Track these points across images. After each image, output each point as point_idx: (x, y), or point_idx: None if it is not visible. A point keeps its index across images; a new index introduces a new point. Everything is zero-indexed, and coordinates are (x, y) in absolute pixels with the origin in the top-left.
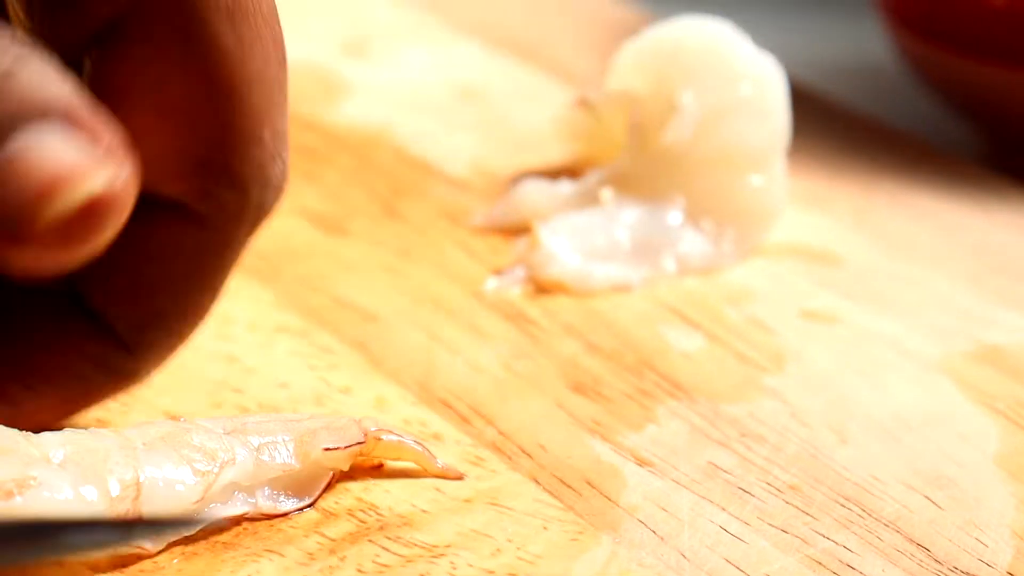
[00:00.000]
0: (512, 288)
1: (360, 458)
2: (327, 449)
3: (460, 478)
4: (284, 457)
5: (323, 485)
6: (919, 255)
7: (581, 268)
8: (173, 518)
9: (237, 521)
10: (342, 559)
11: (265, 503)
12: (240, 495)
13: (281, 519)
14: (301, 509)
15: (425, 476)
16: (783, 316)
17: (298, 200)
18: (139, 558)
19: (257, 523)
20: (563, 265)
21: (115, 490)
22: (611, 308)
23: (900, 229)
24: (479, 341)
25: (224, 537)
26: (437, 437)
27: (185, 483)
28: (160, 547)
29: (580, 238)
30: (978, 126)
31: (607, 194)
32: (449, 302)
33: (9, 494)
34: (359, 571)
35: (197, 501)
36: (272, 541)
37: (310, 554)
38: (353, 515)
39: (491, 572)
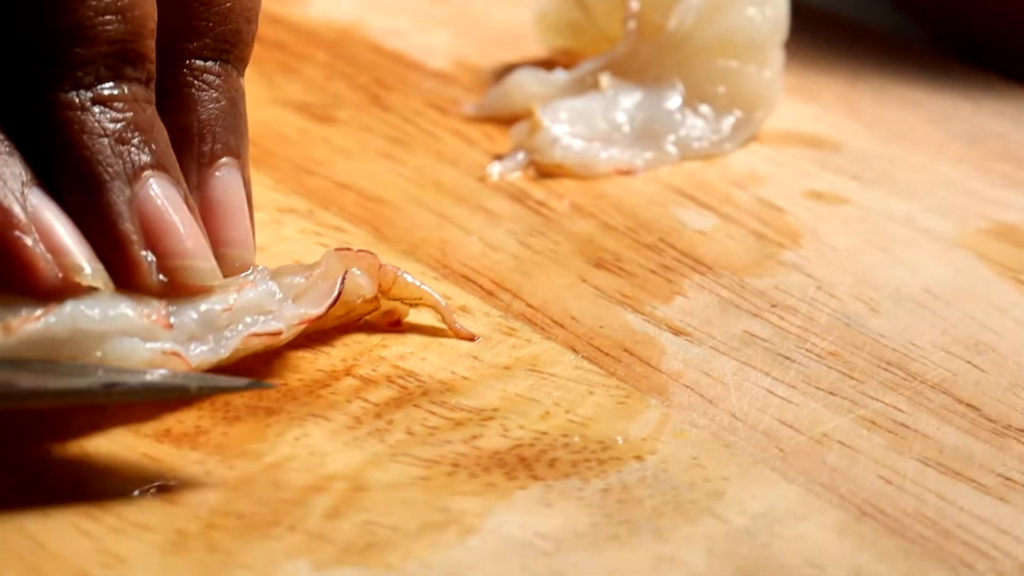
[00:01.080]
0: (513, 172)
1: (381, 299)
2: (338, 249)
3: (472, 339)
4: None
5: (337, 290)
6: (915, 142)
7: (584, 151)
8: (204, 326)
9: (274, 335)
10: (389, 423)
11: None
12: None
13: (322, 385)
14: (329, 307)
15: (444, 335)
16: (791, 197)
17: (280, 92)
18: (183, 417)
19: (298, 388)
20: (566, 149)
21: (146, 301)
22: (618, 191)
23: (892, 118)
24: (490, 221)
25: (264, 403)
26: (464, 309)
27: (212, 304)
28: (195, 363)
29: (581, 122)
30: (916, 18)
31: (606, 79)
32: (453, 186)
33: (35, 318)
34: (409, 433)
35: (226, 310)
36: (315, 406)
37: (356, 418)
38: (393, 382)
39: (543, 434)
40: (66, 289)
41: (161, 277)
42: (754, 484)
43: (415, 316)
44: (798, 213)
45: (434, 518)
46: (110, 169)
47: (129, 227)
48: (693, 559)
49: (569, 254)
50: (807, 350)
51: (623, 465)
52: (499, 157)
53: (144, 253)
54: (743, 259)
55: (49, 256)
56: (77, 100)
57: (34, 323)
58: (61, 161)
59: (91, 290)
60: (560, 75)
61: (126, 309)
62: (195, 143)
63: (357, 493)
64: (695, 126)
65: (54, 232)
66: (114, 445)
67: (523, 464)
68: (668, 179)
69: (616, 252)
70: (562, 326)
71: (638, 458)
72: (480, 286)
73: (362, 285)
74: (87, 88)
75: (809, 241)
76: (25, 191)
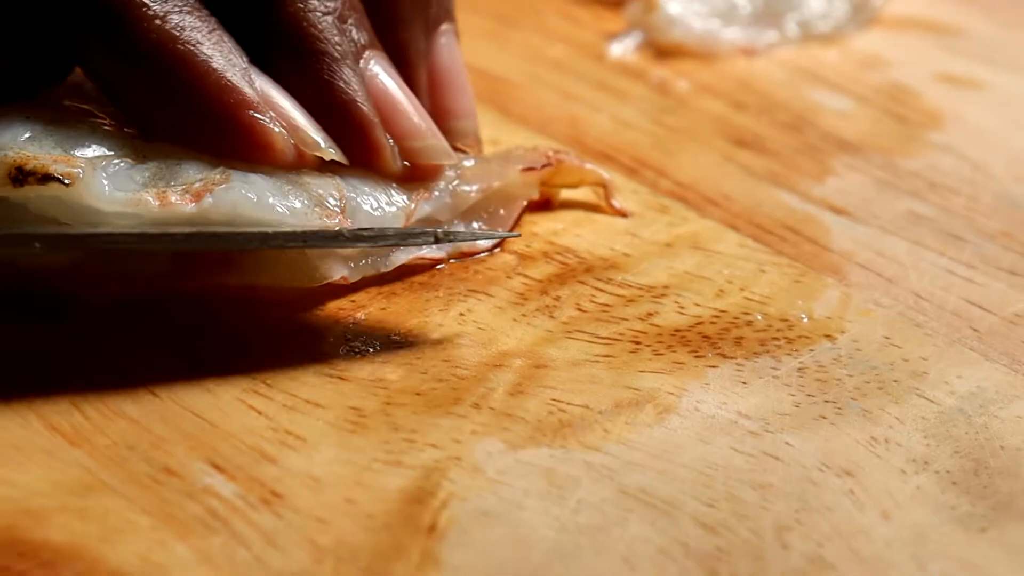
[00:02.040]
0: (630, 52)
1: (541, 187)
2: (524, 170)
3: (625, 215)
4: (480, 183)
5: (515, 216)
6: None
7: (705, 31)
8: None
9: (435, 263)
10: (556, 299)
11: (463, 241)
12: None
13: (477, 262)
14: (499, 244)
15: (593, 211)
16: (924, 80)
17: None
18: (337, 291)
19: (453, 265)
20: (686, 28)
21: (320, 202)
22: (744, 71)
23: (1008, 3)
24: (617, 99)
25: (421, 278)
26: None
27: (385, 208)
28: (356, 278)
29: (697, 0)
30: None
31: None
32: (571, 64)
33: (198, 195)
34: (579, 310)
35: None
36: (473, 283)
37: (520, 294)
38: (551, 258)
39: (722, 311)
40: (298, 164)
41: None
42: (956, 364)
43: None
44: (935, 96)
45: (625, 396)
46: (339, 48)
47: (367, 109)
48: (910, 441)
49: (708, 133)
50: (977, 230)
51: (814, 344)
52: (613, 36)
53: (385, 136)
54: (889, 140)
55: (285, 133)
56: None
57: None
58: (281, 40)
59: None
60: None
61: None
62: (424, 6)
63: (538, 370)
64: (813, 6)
65: (286, 110)
66: (269, 324)
67: (708, 342)
68: (792, 60)
69: (756, 131)
70: (716, 204)
71: (828, 337)
72: (621, 163)
73: (531, 195)
74: None
75: (953, 123)
76: (249, 71)
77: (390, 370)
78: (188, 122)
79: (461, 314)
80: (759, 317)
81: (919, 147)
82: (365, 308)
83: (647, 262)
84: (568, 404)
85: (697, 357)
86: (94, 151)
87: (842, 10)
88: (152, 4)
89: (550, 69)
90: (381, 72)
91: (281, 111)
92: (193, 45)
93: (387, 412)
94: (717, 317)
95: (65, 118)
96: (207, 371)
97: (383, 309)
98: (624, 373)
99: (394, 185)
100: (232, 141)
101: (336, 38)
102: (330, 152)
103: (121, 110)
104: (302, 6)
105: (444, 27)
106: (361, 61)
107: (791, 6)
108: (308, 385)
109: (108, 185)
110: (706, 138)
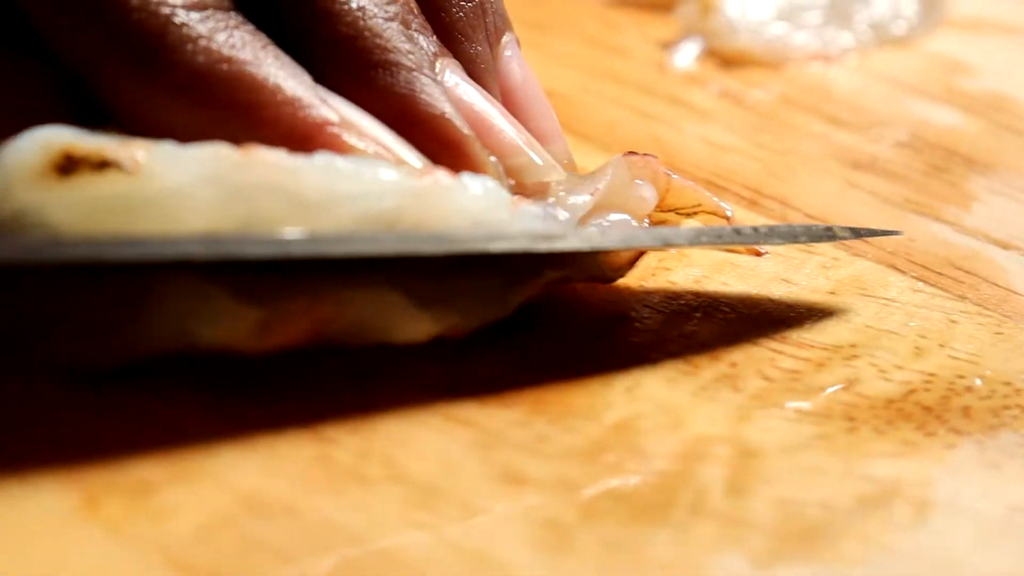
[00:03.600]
0: (692, 62)
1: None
2: (627, 154)
3: (759, 254)
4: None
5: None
6: None
7: (774, 36)
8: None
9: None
10: (732, 365)
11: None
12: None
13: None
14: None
15: (727, 249)
16: None
17: None
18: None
19: (588, 326)
20: (753, 34)
21: None
22: (822, 80)
23: None
24: (697, 116)
25: (560, 342)
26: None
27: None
28: (473, 325)
29: (757, 2)
30: None
31: None
32: (630, 76)
33: None
34: (764, 378)
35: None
36: (626, 345)
37: (686, 360)
38: (706, 313)
39: (931, 375)
40: None
41: None
42: None
43: None
44: None
45: (865, 490)
46: (410, 57)
47: (462, 127)
48: None
49: (815, 154)
50: None
51: None
52: (666, 43)
53: (485, 152)
54: (1018, 157)
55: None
56: None
57: None
58: (340, 54)
59: None
60: None
61: None
62: (482, 15)
63: (749, 460)
64: (882, 5)
65: (369, 129)
66: (399, 404)
67: (931, 415)
68: (870, 66)
69: (867, 151)
70: (863, 240)
71: None
72: (735, 193)
73: (646, 199)
74: None
75: None
76: (317, 89)
77: (574, 468)
78: None
79: (629, 388)
80: (978, 381)
81: None
82: (512, 384)
83: (817, 314)
84: (803, 503)
85: (927, 435)
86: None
87: (912, 10)
88: (192, 23)
89: (609, 82)
90: (461, 82)
91: (363, 131)
92: (252, 64)
93: (590, 525)
94: (929, 382)
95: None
96: (341, 477)
97: (534, 385)
98: (850, 459)
99: None
100: None
101: (406, 46)
102: None
103: None
104: (360, 13)
105: (506, 38)
106: (436, 71)
107: (860, 5)
108: (479, 492)
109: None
110: (816, 160)
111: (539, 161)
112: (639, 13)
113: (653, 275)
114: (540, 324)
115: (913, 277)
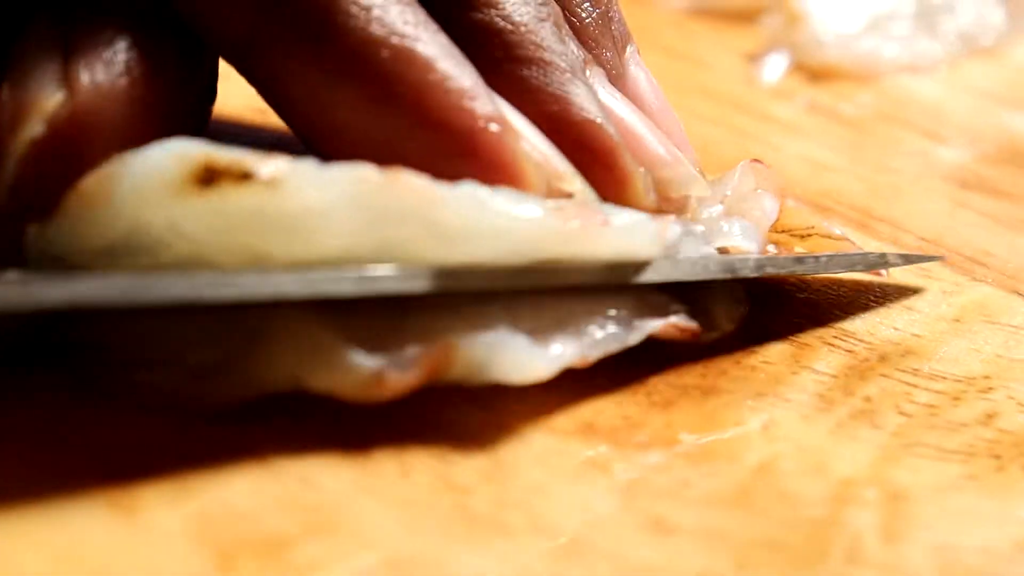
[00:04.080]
0: (777, 76)
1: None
2: (753, 161)
3: (880, 274)
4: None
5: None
6: None
7: (863, 48)
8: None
9: (686, 335)
10: (867, 400)
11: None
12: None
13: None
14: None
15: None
16: None
17: None
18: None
19: (722, 364)
20: (842, 47)
21: None
22: (914, 93)
23: None
24: (792, 133)
25: (687, 379)
26: (841, 240)
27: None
28: (596, 355)
29: (846, 12)
30: None
31: None
32: (719, 91)
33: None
34: (902, 414)
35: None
36: (754, 381)
37: (819, 396)
38: (831, 344)
39: None
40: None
41: None
42: None
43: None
44: None
45: (1020, 533)
46: (564, 59)
47: (612, 131)
48: None
49: (920, 172)
50: None
51: None
52: (751, 56)
53: (635, 162)
54: None
55: (536, 159)
56: None
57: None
58: (495, 46)
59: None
60: None
61: None
62: (609, 22)
63: (900, 503)
64: (968, 14)
65: (524, 130)
66: (534, 449)
67: None
68: (962, 78)
69: (973, 169)
70: (981, 263)
71: None
72: (843, 215)
73: (767, 212)
74: None
75: None
76: (480, 79)
77: (722, 515)
78: (410, 138)
79: (765, 427)
80: None
81: None
82: (642, 425)
83: (945, 344)
84: (962, 549)
85: None
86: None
87: (998, 18)
88: None
89: (698, 97)
90: (605, 90)
91: (523, 135)
92: (423, 43)
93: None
94: None
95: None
96: (482, 527)
97: (667, 425)
98: (1005, 501)
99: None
100: (472, 165)
101: (560, 47)
102: (578, 184)
103: (302, 130)
104: (517, 8)
105: (630, 49)
106: (587, 75)
107: (945, 13)
108: (629, 542)
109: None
110: (922, 179)
111: (687, 174)
112: (720, 23)
113: (769, 303)
114: (659, 357)
115: None
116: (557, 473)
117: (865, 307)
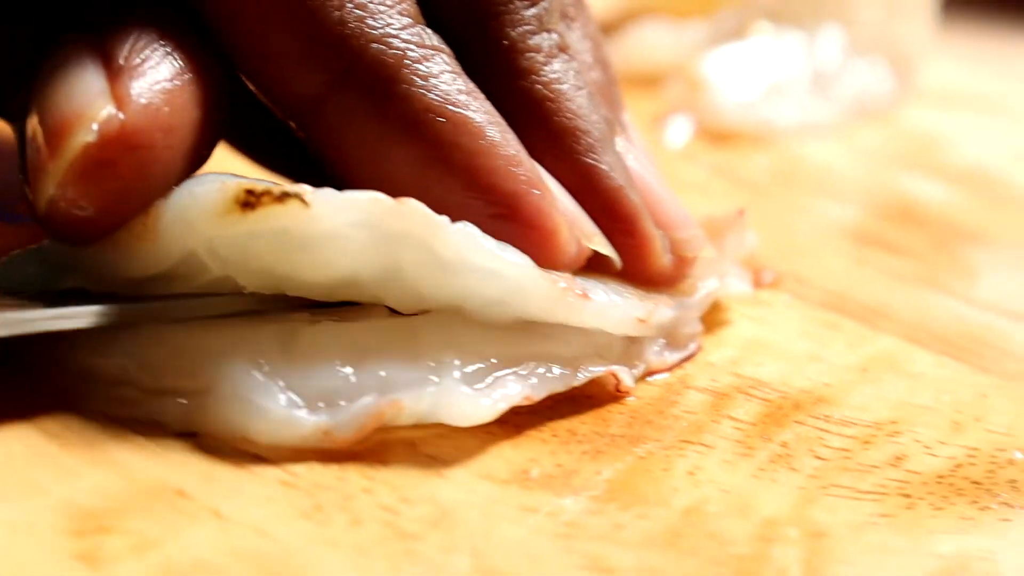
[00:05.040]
0: (682, 139)
1: None
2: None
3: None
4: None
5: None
6: None
7: (761, 112)
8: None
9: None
10: (784, 445)
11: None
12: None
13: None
14: (693, 354)
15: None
16: (1004, 159)
17: None
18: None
19: (638, 408)
20: (742, 109)
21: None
22: (810, 155)
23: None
24: (699, 194)
25: (614, 429)
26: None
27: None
28: (541, 395)
29: (745, 79)
30: None
31: (762, 27)
32: None
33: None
34: (817, 458)
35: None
36: (678, 430)
37: (739, 442)
38: (748, 394)
39: (974, 449)
40: (576, 262)
41: None
42: None
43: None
44: None
45: (936, 567)
46: (598, 127)
47: (636, 198)
48: None
49: (824, 232)
50: None
51: None
52: (656, 118)
53: (655, 227)
54: (1014, 230)
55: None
56: (544, 45)
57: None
58: (533, 113)
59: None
60: (695, 27)
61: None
62: (613, 83)
63: (820, 541)
64: (858, 80)
65: (558, 195)
66: (476, 496)
67: (982, 489)
68: (856, 140)
69: (872, 228)
70: (883, 315)
71: None
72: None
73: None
74: (550, 31)
75: None
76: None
77: (656, 555)
78: (459, 197)
79: (690, 472)
80: (1018, 455)
81: None
82: (577, 473)
83: (854, 391)
84: None
85: (982, 510)
86: None
87: (886, 84)
88: (421, 65)
89: None
90: (632, 155)
91: (557, 201)
92: (475, 111)
93: None
94: (972, 457)
95: None
96: (432, 572)
97: (597, 472)
98: (915, 537)
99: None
100: (514, 224)
101: (594, 116)
102: (605, 247)
103: (355, 185)
104: (558, 76)
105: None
106: (614, 142)
107: (837, 79)
108: None
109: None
110: (826, 238)
111: (700, 235)
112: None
113: (691, 357)
114: (589, 410)
115: (936, 352)
116: (498, 519)
117: (777, 359)
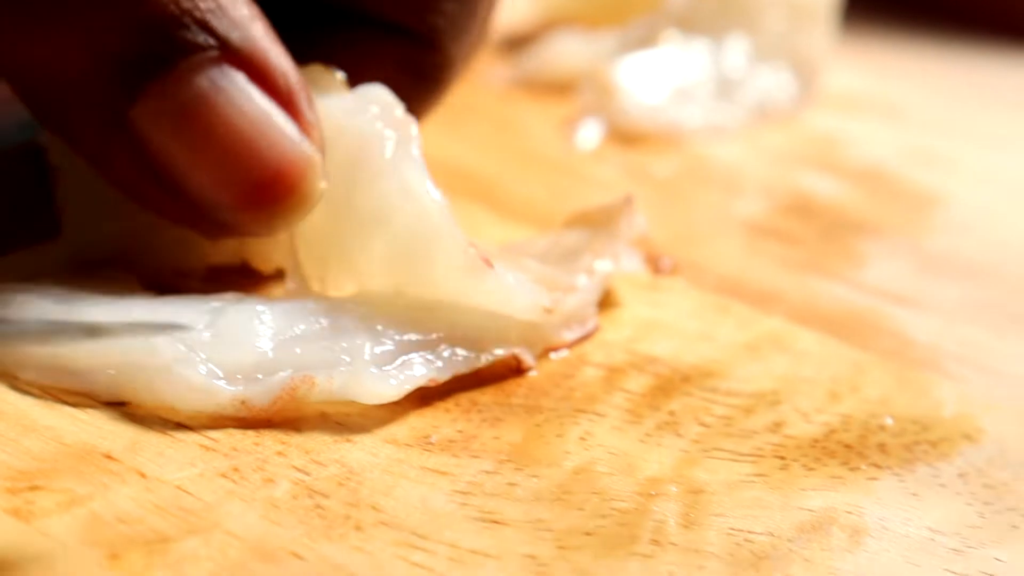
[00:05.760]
0: (593, 141)
1: None
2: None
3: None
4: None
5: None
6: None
7: (670, 115)
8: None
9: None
10: (671, 414)
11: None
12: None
13: (564, 378)
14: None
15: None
16: (899, 158)
17: None
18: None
19: (538, 382)
20: (651, 112)
21: None
22: (715, 155)
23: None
24: (606, 191)
25: (514, 399)
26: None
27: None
28: (446, 376)
29: (652, 83)
30: None
31: (668, 35)
32: (541, 155)
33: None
34: (702, 424)
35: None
36: (574, 401)
37: (630, 411)
38: (641, 369)
39: (848, 416)
40: None
41: None
42: None
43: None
44: (918, 174)
45: (804, 519)
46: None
47: None
48: None
49: (723, 224)
50: None
51: (958, 446)
52: (570, 123)
53: None
54: (900, 222)
55: None
56: None
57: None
58: None
59: None
60: (607, 36)
61: None
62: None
63: (698, 496)
64: (763, 84)
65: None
66: (380, 459)
67: (853, 452)
68: (758, 141)
69: (768, 220)
70: (773, 299)
71: (969, 438)
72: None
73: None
74: None
75: (952, 202)
76: None
77: (544, 509)
78: None
79: (582, 438)
80: (889, 420)
81: (935, 228)
82: (476, 438)
83: (741, 367)
84: (750, 533)
85: (852, 470)
86: None
87: (791, 88)
88: None
89: (522, 161)
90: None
91: None
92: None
93: (566, 558)
94: (846, 423)
95: None
96: (337, 524)
97: (496, 438)
98: (788, 493)
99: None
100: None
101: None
102: None
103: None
104: None
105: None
106: None
107: (742, 85)
108: (464, 533)
109: None
110: (724, 229)
111: None
112: (540, 95)
113: (589, 336)
114: (492, 383)
115: (820, 332)
116: (400, 478)
117: (671, 337)
